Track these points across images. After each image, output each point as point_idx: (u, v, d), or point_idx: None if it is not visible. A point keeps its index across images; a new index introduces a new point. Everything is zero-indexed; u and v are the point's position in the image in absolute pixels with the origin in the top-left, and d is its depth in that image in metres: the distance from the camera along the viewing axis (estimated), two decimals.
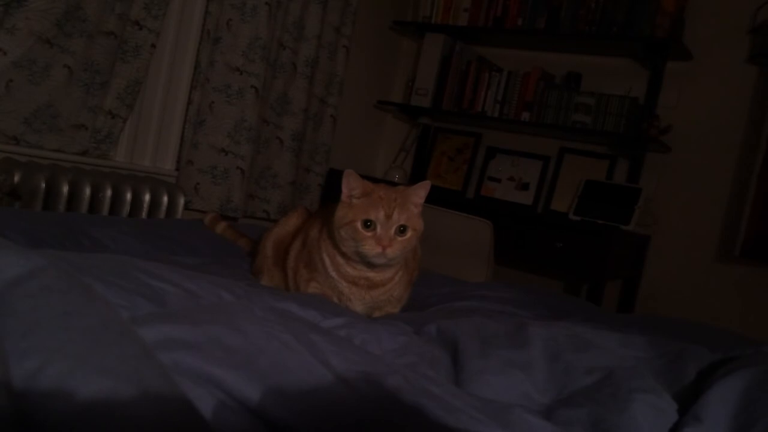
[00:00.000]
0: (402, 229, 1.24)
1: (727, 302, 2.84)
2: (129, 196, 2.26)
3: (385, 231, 1.22)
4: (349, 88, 3.25)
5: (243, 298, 1.07)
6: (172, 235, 1.71)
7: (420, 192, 1.28)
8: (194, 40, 2.59)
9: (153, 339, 0.68)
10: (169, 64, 2.56)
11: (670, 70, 2.97)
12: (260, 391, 0.65)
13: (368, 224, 1.23)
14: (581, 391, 0.90)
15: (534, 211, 3.25)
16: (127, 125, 2.45)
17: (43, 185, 2.05)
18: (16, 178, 2.02)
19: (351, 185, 1.26)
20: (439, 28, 3.39)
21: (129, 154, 2.52)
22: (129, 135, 2.49)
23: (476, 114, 3.33)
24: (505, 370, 0.93)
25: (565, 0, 3.09)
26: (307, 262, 1.38)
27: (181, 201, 2.43)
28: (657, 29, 2.85)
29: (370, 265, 1.28)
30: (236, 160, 2.66)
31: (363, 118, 3.62)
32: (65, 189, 2.09)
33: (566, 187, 3.19)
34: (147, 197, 2.31)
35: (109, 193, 2.21)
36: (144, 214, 2.31)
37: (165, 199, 2.37)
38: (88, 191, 2.15)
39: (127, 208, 2.26)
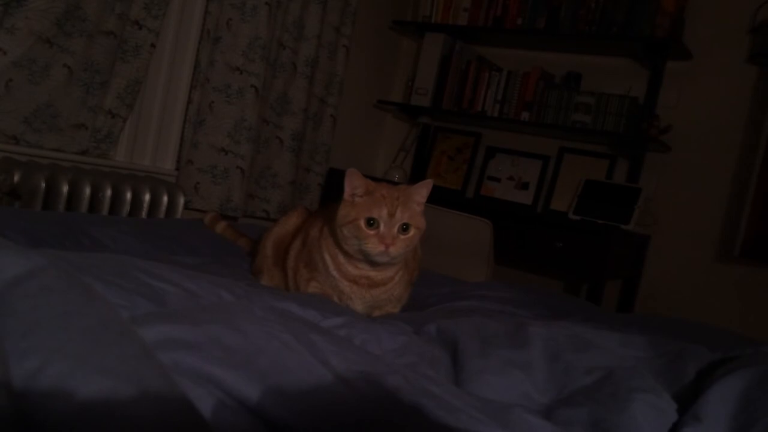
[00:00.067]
0: (405, 228, 1.24)
1: (726, 302, 2.84)
2: (129, 195, 2.26)
3: (388, 229, 1.22)
4: (349, 88, 3.25)
5: (243, 297, 1.07)
6: (172, 234, 1.71)
7: (422, 190, 1.28)
8: (194, 40, 2.59)
9: (153, 339, 0.68)
10: (169, 64, 2.56)
11: (670, 70, 2.97)
12: (260, 390, 0.65)
13: (371, 222, 1.23)
14: (581, 391, 0.90)
15: (534, 211, 3.25)
16: (127, 125, 2.45)
17: (43, 185, 2.05)
18: (16, 178, 2.02)
19: (354, 184, 1.27)
20: (438, 28, 3.39)
21: (129, 154, 2.52)
22: (129, 135, 2.49)
23: (476, 114, 3.33)
24: (505, 370, 0.93)
25: (565, 0, 3.09)
26: (308, 262, 1.38)
27: (181, 201, 2.43)
28: (657, 29, 2.85)
29: (373, 264, 1.28)
30: (236, 160, 2.66)
31: (363, 117, 3.62)
32: (65, 189, 2.09)
33: (566, 186, 3.19)
34: (147, 197, 2.31)
35: (108, 192, 2.20)
36: (144, 214, 2.31)
37: (165, 198, 2.37)
38: (87, 191, 2.15)
39: (127, 208, 2.26)
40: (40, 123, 2.12)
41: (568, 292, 3.21)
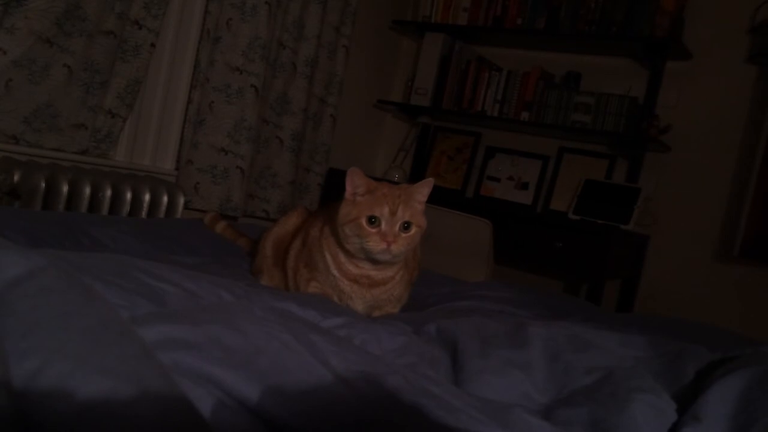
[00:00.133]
0: (406, 226, 1.25)
1: (726, 302, 2.84)
2: (129, 195, 2.26)
3: (389, 227, 1.23)
4: (348, 88, 3.25)
5: (243, 298, 1.07)
6: (172, 234, 1.71)
7: (423, 189, 1.28)
8: (194, 40, 2.59)
9: (153, 339, 0.68)
10: (169, 64, 2.56)
11: (670, 70, 2.97)
12: (260, 391, 0.65)
13: (373, 221, 1.23)
14: (581, 391, 0.90)
15: (533, 211, 3.25)
16: (127, 125, 2.45)
17: (43, 185, 2.05)
18: (16, 178, 2.01)
19: (355, 183, 1.27)
20: (438, 28, 3.39)
21: (129, 154, 2.52)
22: (129, 134, 2.49)
23: (476, 113, 3.33)
24: (505, 370, 0.94)
25: (565, 0, 3.09)
26: (308, 262, 1.38)
27: (181, 200, 2.43)
28: (656, 29, 2.85)
29: (375, 262, 1.28)
30: (236, 160, 2.66)
31: (363, 117, 3.62)
32: (65, 188, 2.09)
33: (566, 186, 3.19)
34: (147, 197, 2.31)
35: (108, 192, 2.20)
36: (144, 214, 2.31)
37: (165, 198, 2.37)
38: (87, 191, 2.14)
39: (126, 208, 2.26)
40: (40, 123, 2.12)
41: (568, 292, 3.21)
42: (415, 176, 3.49)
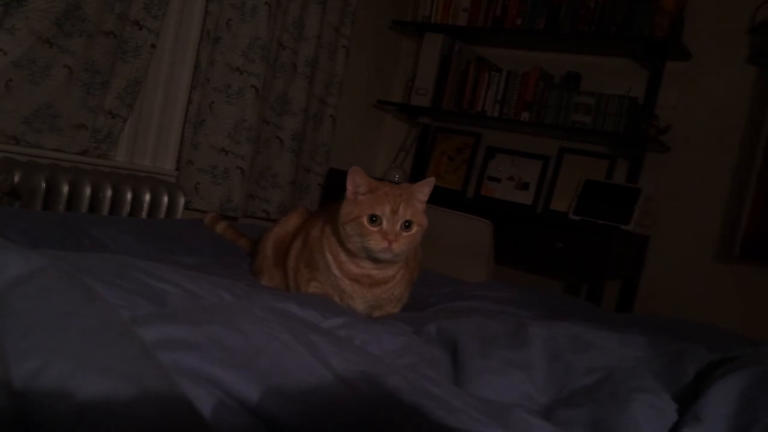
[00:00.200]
0: (407, 225, 1.25)
1: (726, 302, 2.84)
2: (129, 195, 2.26)
3: (390, 226, 1.23)
4: (349, 88, 3.25)
5: (243, 298, 1.07)
6: (173, 235, 1.71)
7: (424, 189, 1.29)
8: (194, 40, 2.59)
9: (153, 339, 0.68)
10: (169, 64, 2.56)
11: (670, 70, 2.97)
12: (260, 391, 0.65)
13: (374, 219, 1.23)
14: (581, 391, 0.90)
15: (534, 211, 3.25)
16: (127, 125, 2.45)
17: (43, 185, 2.05)
18: (16, 178, 2.01)
19: (356, 182, 1.27)
20: (438, 28, 3.39)
21: (129, 154, 2.52)
22: (129, 135, 2.49)
23: (476, 114, 3.33)
24: (506, 370, 0.94)
25: (565, 0, 3.09)
26: (308, 262, 1.38)
27: (182, 201, 2.43)
28: (656, 29, 2.85)
29: (376, 261, 1.28)
30: (236, 160, 2.66)
31: (363, 118, 3.62)
32: (65, 189, 2.09)
33: (566, 186, 3.19)
34: (147, 197, 2.31)
35: (109, 192, 2.21)
36: (144, 214, 2.31)
37: (165, 199, 2.37)
38: (88, 191, 2.15)
39: (127, 208, 2.26)
40: (40, 123, 2.12)
41: (568, 292, 3.21)
42: (416, 176, 3.49)
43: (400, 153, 3.63)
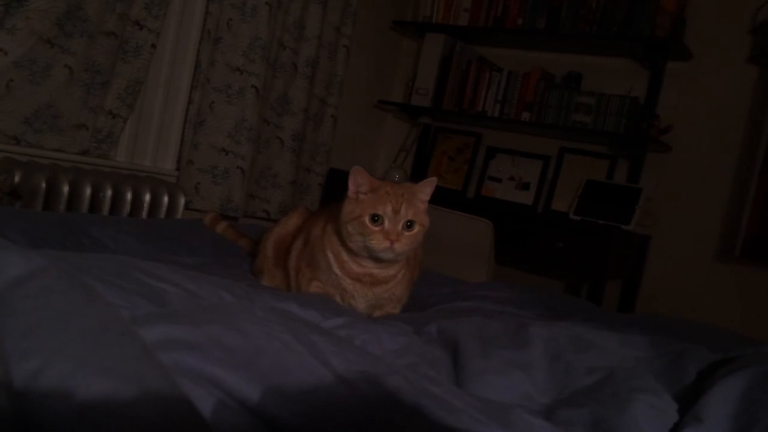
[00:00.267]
0: (409, 224, 1.25)
1: (727, 302, 2.84)
2: (129, 196, 2.26)
3: (392, 225, 1.23)
4: (349, 88, 3.25)
5: (244, 298, 1.07)
6: (173, 235, 1.71)
7: (426, 188, 1.29)
8: (194, 40, 2.59)
9: (154, 339, 0.68)
10: (170, 64, 2.56)
11: (671, 70, 2.96)
12: (261, 391, 0.65)
13: (376, 219, 1.23)
14: (582, 391, 0.90)
15: (534, 211, 3.25)
16: (128, 125, 2.45)
17: (44, 185, 2.05)
18: (17, 178, 2.02)
19: (358, 181, 1.27)
20: (439, 28, 3.39)
21: (129, 154, 2.52)
22: (129, 135, 2.49)
23: (476, 114, 3.33)
24: (506, 370, 0.93)
25: (565, 0, 3.09)
26: (309, 261, 1.38)
27: (182, 201, 2.43)
28: (657, 29, 2.85)
29: (378, 261, 1.28)
30: (237, 160, 2.66)
31: (363, 118, 3.62)
32: (65, 189, 2.09)
33: (566, 187, 3.19)
34: (147, 197, 2.31)
35: (109, 193, 2.21)
36: (144, 214, 2.31)
37: (165, 199, 2.37)
38: (88, 191, 2.15)
39: (127, 208, 2.26)
40: (40, 123, 2.12)
41: (569, 293, 3.21)
42: (416, 177, 3.49)
43: (401, 153, 3.63)
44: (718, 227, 2.92)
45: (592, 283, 2.79)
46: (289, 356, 0.73)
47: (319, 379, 0.70)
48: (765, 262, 2.74)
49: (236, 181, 2.67)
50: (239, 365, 0.68)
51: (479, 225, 2.34)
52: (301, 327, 0.86)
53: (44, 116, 2.12)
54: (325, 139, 3.15)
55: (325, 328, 0.98)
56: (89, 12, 2.13)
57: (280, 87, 2.87)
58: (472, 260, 2.31)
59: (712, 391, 0.83)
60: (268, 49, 2.67)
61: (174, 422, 0.54)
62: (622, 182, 3.04)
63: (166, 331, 0.70)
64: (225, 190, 2.65)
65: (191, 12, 2.57)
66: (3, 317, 0.60)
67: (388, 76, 3.72)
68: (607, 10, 2.99)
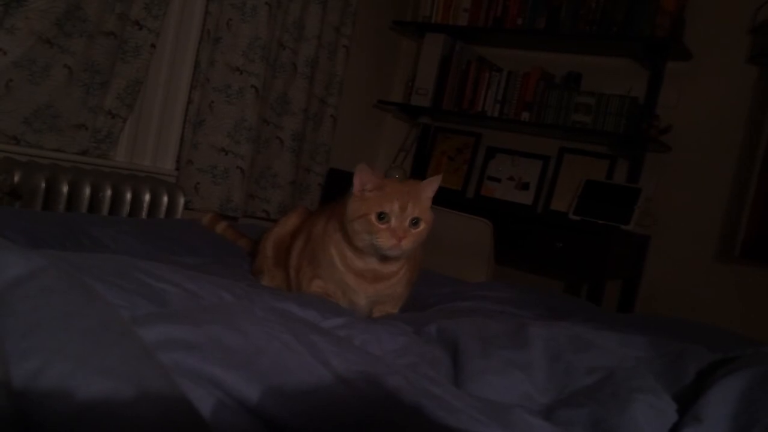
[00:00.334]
0: (415, 222, 1.25)
1: (727, 302, 2.84)
2: (129, 195, 2.26)
3: (399, 223, 1.23)
4: (349, 88, 3.25)
5: (243, 298, 1.07)
6: (173, 235, 1.71)
7: (432, 186, 1.29)
8: (194, 40, 2.59)
9: (153, 339, 0.68)
10: (169, 64, 2.56)
11: (670, 70, 2.97)
12: (260, 391, 0.65)
13: (382, 217, 1.23)
14: (582, 391, 0.90)
15: (534, 211, 3.25)
16: (127, 125, 2.45)
17: (43, 185, 2.05)
18: (16, 178, 2.01)
19: (364, 179, 1.27)
20: (439, 28, 3.39)
21: (129, 154, 2.52)
22: (129, 135, 2.49)
23: (476, 114, 3.33)
24: (506, 370, 0.93)
25: (565, 0, 3.09)
26: (311, 259, 1.39)
27: (181, 201, 2.43)
28: (657, 29, 2.85)
29: (383, 258, 1.29)
30: (236, 160, 2.66)
31: (363, 118, 3.62)
32: (65, 189, 2.09)
33: (566, 186, 3.19)
34: (147, 197, 2.31)
35: (109, 192, 2.21)
36: (144, 214, 2.31)
37: (165, 198, 2.37)
38: (88, 191, 2.15)
39: (127, 208, 2.26)
40: (40, 123, 2.12)
41: (569, 292, 3.21)
42: (416, 176, 3.49)
43: (401, 153, 3.63)
44: (718, 227, 2.92)
45: (592, 283, 2.79)
46: (289, 356, 0.73)
47: (319, 379, 0.70)
48: (764, 262, 2.74)
49: (236, 181, 2.67)
50: (239, 365, 0.68)
51: (479, 225, 2.34)
52: (301, 327, 0.86)
53: (44, 116, 2.12)
54: (324, 139, 3.15)
55: (325, 328, 0.98)
56: (89, 12, 2.13)
57: (279, 87, 2.87)
58: (472, 260, 2.31)
59: (712, 391, 0.83)
60: (267, 49, 2.67)
61: (174, 422, 0.54)
62: (621, 182, 3.04)
63: (166, 331, 0.70)
64: (224, 190, 2.65)
65: (191, 12, 2.57)
66: (3, 317, 0.60)
67: (387, 76, 3.72)
68: (606, 10, 2.99)
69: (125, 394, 0.53)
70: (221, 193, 2.65)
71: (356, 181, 1.28)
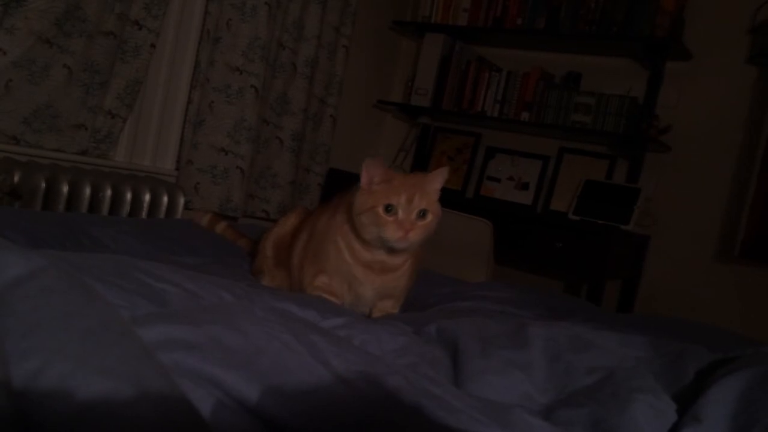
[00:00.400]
0: (422, 214, 1.25)
1: (726, 302, 2.84)
2: (129, 195, 2.26)
3: (406, 215, 1.23)
4: (348, 88, 3.25)
5: (243, 298, 1.07)
6: (173, 235, 1.71)
7: (439, 178, 1.29)
8: (194, 40, 2.59)
9: (153, 339, 0.68)
10: (169, 64, 2.56)
11: (670, 70, 2.97)
12: (260, 391, 0.65)
13: (389, 209, 1.23)
14: (582, 391, 0.90)
15: (534, 211, 3.25)
16: (127, 125, 2.45)
17: (43, 185, 2.05)
18: (16, 178, 2.01)
19: (371, 173, 1.27)
20: (438, 28, 3.39)
21: (129, 154, 2.52)
22: (129, 135, 2.49)
23: (476, 114, 3.33)
24: (506, 370, 0.93)
25: (565, 0, 3.09)
26: (315, 254, 1.39)
27: (181, 201, 2.43)
28: (657, 29, 2.85)
29: (391, 250, 1.29)
30: (236, 160, 2.66)
31: (363, 118, 3.62)
32: (65, 189, 2.09)
33: (566, 186, 3.19)
34: (147, 197, 2.31)
35: (109, 192, 2.20)
36: (144, 214, 2.31)
37: (165, 198, 2.37)
38: (88, 191, 2.15)
39: (127, 208, 2.26)
40: (39, 123, 2.12)
41: (568, 292, 3.21)
42: None
43: (400, 153, 3.63)
44: (718, 227, 2.92)
45: (592, 283, 2.79)
46: (289, 356, 0.73)
47: (319, 379, 0.70)
48: (764, 262, 2.74)
49: (235, 181, 2.67)
50: (239, 365, 0.68)
51: (479, 225, 2.34)
52: (300, 327, 0.86)
53: (43, 116, 2.12)
54: (324, 139, 3.15)
55: (325, 328, 0.98)
56: (88, 12, 2.13)
57: (279, 87, 2.87)
58: (472, 260, 2.31)
59: (711, 391, 0.83)
60: (267, 49, 2.67)
61: (173, 422, 0.54)
62: (621, 182, 3.04)
63: (166, 331, 0.70)
64: (224, 190, 2.65)
65: (190, 12, 2.57)
66: (3, 317, 0.60)
67: (387, 76, 3.72)
68: (606, 10, 2.99)
69: (125, 394, 0.53)
70: (221, 193, 2.65)
71: (364, 175, 1.28)
